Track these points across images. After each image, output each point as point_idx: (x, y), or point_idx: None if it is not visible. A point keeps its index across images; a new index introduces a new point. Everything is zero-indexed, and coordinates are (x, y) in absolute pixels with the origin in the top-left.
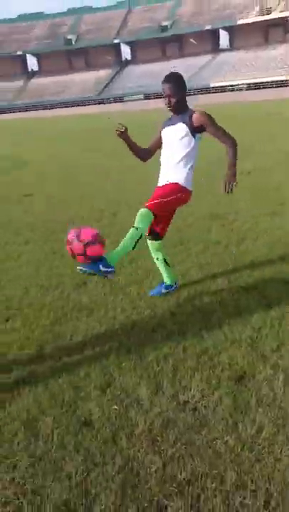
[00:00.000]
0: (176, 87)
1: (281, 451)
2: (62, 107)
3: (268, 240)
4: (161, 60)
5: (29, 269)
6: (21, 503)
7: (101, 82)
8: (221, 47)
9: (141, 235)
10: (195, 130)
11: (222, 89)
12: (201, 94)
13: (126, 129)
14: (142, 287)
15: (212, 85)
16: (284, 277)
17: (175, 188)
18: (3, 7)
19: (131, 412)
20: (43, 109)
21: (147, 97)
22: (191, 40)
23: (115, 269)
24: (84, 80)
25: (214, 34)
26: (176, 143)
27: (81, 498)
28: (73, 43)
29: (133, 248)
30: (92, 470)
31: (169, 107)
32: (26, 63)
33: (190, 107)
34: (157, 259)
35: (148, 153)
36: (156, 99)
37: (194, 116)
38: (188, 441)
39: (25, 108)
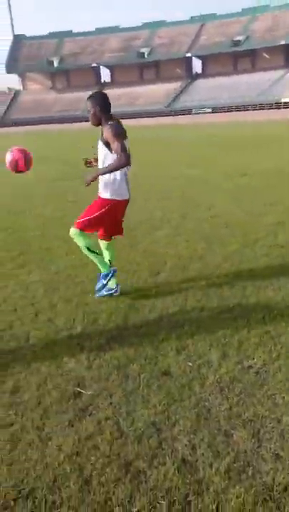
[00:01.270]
0: (92, 103)
1: None
2: (132, 118)
3: None
4: (231, 74)
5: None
6: (118, 420)
7: (170, 95)
8: None
9: (88, 247)
10: (108, 145)
11: None
12: (272, 109)
13: (90, 161)
14: (210, 280)
15: (283, 100)
16: None
17: (100, 204)
18: (82, 20)
19: (202, 369)
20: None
21: (215, 110)
22: (264, 54)
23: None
24: (154, 91)
25: (288, 49)
26: (102, 158)
27: (165, 421)
28: (146, 56)
29: (97, 254)
30: (172, 404)
31: (91, 123)
32: (100, 74)
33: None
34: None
35: None
36: (224, 113)
37: (104, 131)
38: (251, 393)
39: None
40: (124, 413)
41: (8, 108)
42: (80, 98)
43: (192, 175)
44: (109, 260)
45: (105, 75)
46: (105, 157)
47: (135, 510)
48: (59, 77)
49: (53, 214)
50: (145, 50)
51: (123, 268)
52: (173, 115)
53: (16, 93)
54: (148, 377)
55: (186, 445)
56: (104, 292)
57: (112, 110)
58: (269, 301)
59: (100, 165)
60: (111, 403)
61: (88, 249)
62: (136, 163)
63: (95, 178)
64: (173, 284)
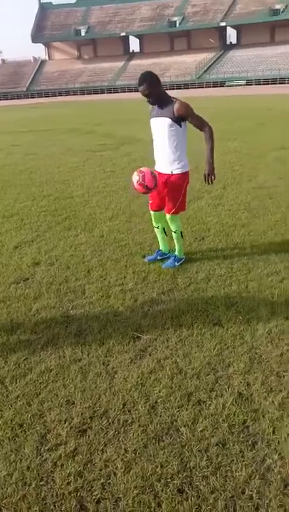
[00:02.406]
0: (151, 85)
1: None
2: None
3: None
4: (269, 45)
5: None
6: (176, 359)
7: (202, 66)
8: None
9: (180, 233)
10: (179, 120)
11: None
12: None
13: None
14: (255, 246)
15: None
16: None
17: (181, 182)
18: None
19: (252, 322)
20: None
21: (249, 82)
22: None
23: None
24: (185, 62)
25: None
26: (166, 135)
27: (220, 362)
28: (177, 25)
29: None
30: (226, 349)
31: (150, 103)
32: (128, 44)
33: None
34: (158, 227)
35: None
36: (259, 86)
37: (175, 107)
38: None
39: (124, 89)
40: (181, 354)
41: (33, 78)
42: (107, 68)
43: (230, 147)
44: (181, 232)
45: (134, 44)
46: (175, 132)
47: (200, 429)
48: (86, 46)
49: (93, 183)
50: (177, 19)
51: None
52: (204, 87)
53: (42, 63)
54: (201, 327)
55: (241, 382)
56: (170, 265)
57: None
58: None
59: (162, 140)
60: (168, 346)
61: (181, 233)
62: None
63: (213, 167)
64: (218, 248)
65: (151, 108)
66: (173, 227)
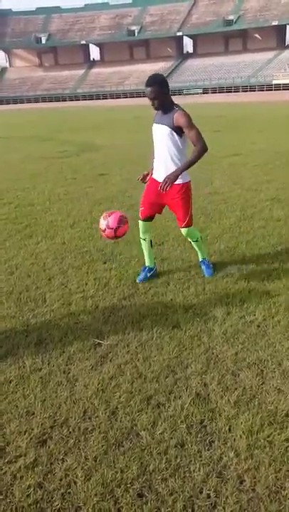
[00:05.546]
0: (159, 89)
1: None
2: (121, 98)
3: None
4: (223, 55)
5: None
6: (136, 364)
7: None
8: (287, 43)
9: (201, 238)
10: (177, 129)
11: (285, 87)
12: (263, 91)
13: (144, 176)
14: (212, 249)
15: (274, 82)
16: None
17: (188, 192)
18: None
19: (209, 323)
20: (103, 98)
21: (206, 91)
22: (256, 35)
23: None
24: (144, 70)
25: (281, 30)
26: (166, 143)
27: (178, 364)
28: (136, 34)
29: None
30: (184, 351)
31: (155, 108)
32: (89, 52)
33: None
34: (144, 239)
35: None
36: (215, 94)
37: (175, 116)
38: (254, 342)
39: (86, 96)
40: (141, 358)
41: None
42: (68, 76)
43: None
44: (200, 236)
45: (94, 53)
46: (174, 142)
47: (158, 432)
48: (47, 54)
49: (54, 190)
50: (135, 28)
51: (128, 239)
52: None
53: (3, 70)
54: (160, 330)
55: (198, 383)
56: (211, 271)
57: (102, 89)
58: (267, 266)
59: (162, 149)
60: (128, 351)
61: (201, 238)
62: (134, 143)
63: (178, 176)
64: (176, 252)
65: (155, 113)
66: (193, 239)
